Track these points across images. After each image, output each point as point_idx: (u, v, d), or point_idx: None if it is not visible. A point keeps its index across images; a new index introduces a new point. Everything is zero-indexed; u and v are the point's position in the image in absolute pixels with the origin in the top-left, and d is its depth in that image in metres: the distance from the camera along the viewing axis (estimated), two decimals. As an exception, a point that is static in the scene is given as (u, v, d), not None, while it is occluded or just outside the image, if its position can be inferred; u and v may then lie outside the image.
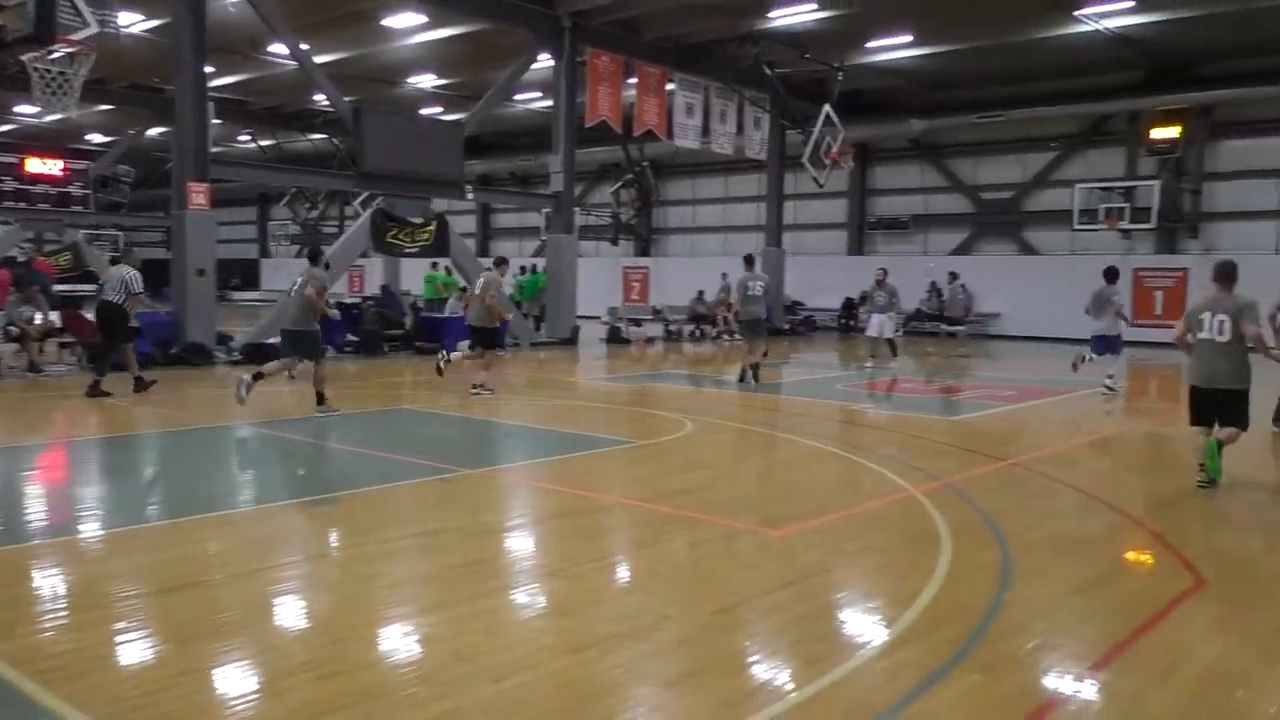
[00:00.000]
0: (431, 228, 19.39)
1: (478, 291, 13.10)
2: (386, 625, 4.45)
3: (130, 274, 12.05)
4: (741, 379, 14.96)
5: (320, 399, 10.86)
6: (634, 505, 6.91)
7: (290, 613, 4.68)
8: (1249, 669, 4.01)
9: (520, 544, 6.06)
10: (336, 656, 3.99)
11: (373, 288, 30.13)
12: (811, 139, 22.99)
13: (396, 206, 19.04)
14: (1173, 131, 23.84)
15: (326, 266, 11.98)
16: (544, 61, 21.27)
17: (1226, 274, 8.09)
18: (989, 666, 3.99)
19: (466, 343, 13.50)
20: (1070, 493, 7.43)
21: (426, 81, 27.32)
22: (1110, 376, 13.96)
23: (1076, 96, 24.82)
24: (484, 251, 39.95)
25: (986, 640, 4.29)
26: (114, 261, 12.98)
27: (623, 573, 5.52)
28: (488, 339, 13.02)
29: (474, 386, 12.77)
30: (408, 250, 19.48)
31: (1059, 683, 3.88)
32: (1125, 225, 24.04)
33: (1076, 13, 19.47)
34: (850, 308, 28.91)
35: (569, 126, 21.04)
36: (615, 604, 4.84)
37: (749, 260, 15.97)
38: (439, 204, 20.89)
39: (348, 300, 22.63)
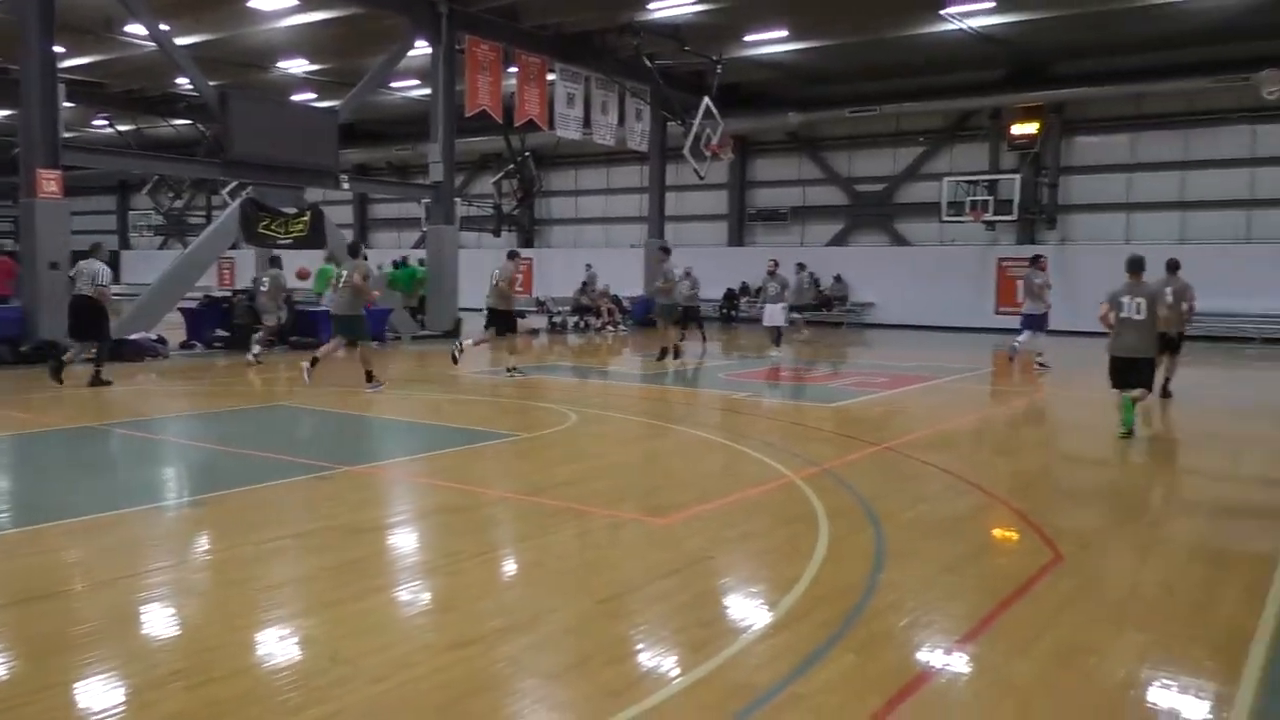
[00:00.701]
0: (306, 218, 18.80)
1: (494, 280, 14.23)
2: (261, 630, 4.31)
3: (101, 268, 12.53)
4: (662, 357, 16.72)
5: (369, 377, 12.48)
6: (518, 498, 6.87)
7: (158, 621, 4.48)
8: (1102, 638, 4.26)
9: (401, 541, 5.96)
10: (208, 664, 3.84)
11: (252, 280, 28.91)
12: (692, 131, 23.24)
13: (268, 196, 18.38)
14: (1031, 128, 25.10)
15: (365, 257, 13.68)
16: (421, 48, 20.86)
17: (1139, 266, 9.77)
18: (864, 646, 4.13)
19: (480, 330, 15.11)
20: (940, 475, 7.75)
21: (298, 66, 26.42)
22: (1040, 354, 15.46)
23: (943, 93, 25.84)
24: (362, 242, 38.94)
25: (862, 620, 4.44)
26: (83, 256, 12.81)
27: (506, 566, 5.49)
28: (506, 323, 14.31)
29: (509, 370, 14.20)
30: (281, 242, 18.82)
31: (929, 658, 4.05)
32: (989, 217, 25.19)
33: (942, 11, 20.24)
34: (732, 299, 29.42)
35: (448, 115, 20.70)
36: (498, 598, 4.81)
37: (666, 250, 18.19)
38: (313, 194, 20.27)
39: (216, 294, 21.72)
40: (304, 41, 23.77)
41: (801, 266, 24.56)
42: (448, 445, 9.05)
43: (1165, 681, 3.83)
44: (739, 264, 29.48)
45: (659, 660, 4.02)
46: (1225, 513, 6.72)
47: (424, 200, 22.73)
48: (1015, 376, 15.84)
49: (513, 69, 21.60)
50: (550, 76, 22.41)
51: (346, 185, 21.25)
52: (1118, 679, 3.84)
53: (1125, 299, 9.58)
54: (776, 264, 19.23)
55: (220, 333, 18.11)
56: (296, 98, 28.60)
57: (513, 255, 14.98)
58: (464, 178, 35.83)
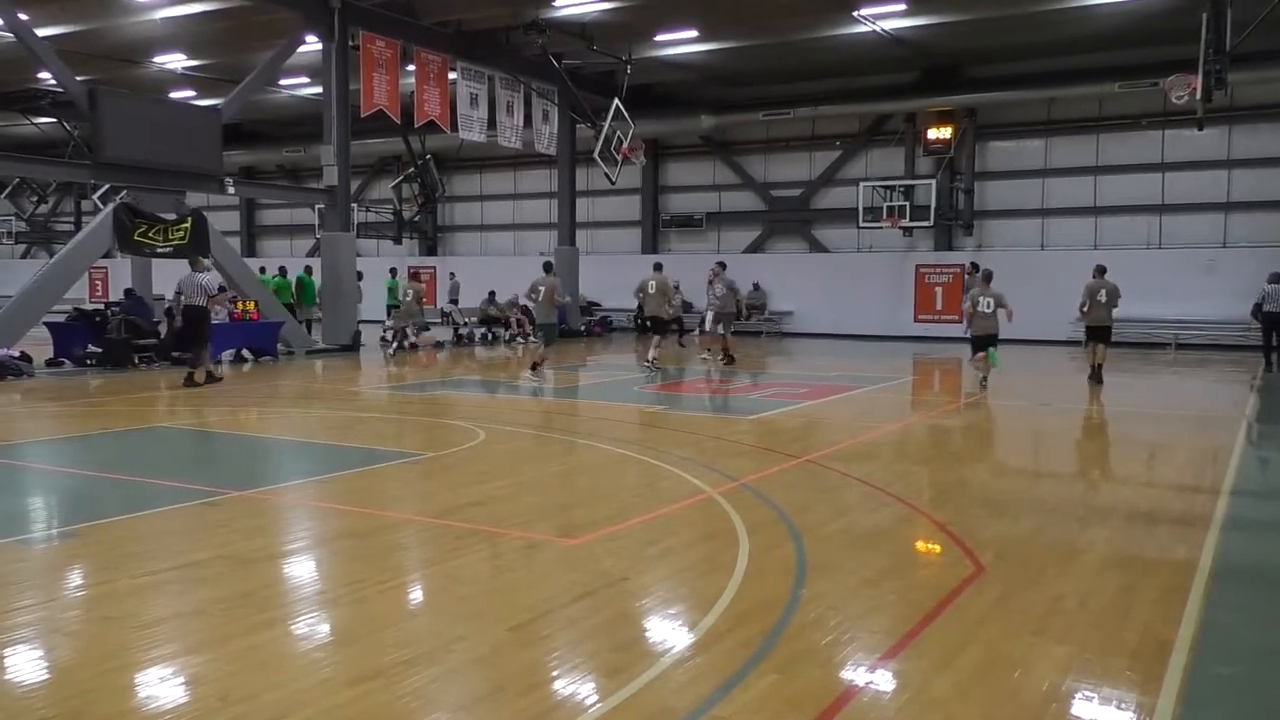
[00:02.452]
0: (186, 225, 18.28)
1: (540, 295, 15.91)
2: (142, 670, 4.16)
3: None
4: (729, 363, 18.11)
5: (533, 367, 15.31)
6: (424, 521, 6.78)
7: (23, 664, 4.28)
8: (1023, 650, 4.40)
9: (298, 570, 5.82)
10: (80, 710, 3.69)
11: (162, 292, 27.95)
12: (602, 133, 23.33)
13: (144, 201, 17.82)
14: (946, 132, 25.89)
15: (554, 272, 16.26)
16: (313, 44, 20.51)
17: (989, 276, 15.08)
18: (786, 665, 4.18)
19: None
20: (861, 487, 7.91)
21: (175, 62, 25.70)
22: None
23: (858, 96, 26.50)
24: (250, 251, 38.11)
25: (784, 638, 4.50)
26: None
27: (411, 594, 5.40)
28: (548, 334, 16.23)
29: (532, 368, 15.69)
30: (159, 250, 18.27)
31: (852, 675, 4.13)
32: (906, 223, 25.86)
33: (855, 13, 20.77)
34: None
35: (342, 116, 20.37)
36: (402, 628, 4.73)
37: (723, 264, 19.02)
38: (195, 198, 19.74)
39: (87, 307, 20.91)
40: (183, 35, 23.13)
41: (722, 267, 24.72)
42: (348, 466, 8.88)
43: (1087, 693, 3.97)
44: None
45: (574, 688, 4.00)
46: (1142, 520, 7.01)
47: (318, 205, 22.33)
48: (936, 384, 16.27)
49: (411, 67, 21.39)
50: (452, 76, 22.27)
51: (232, 189, 20.72)
52: (1040, 691, 3.97)
53: (981, 299, 14.54)
54: (716, 271, 19.80)
55: (92, 349, 17.43)
56: (175, 95, 27.82)
57: (549, 267, 16.44)
58: (361, 182, 35.31)
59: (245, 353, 19.24)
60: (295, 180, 36.47)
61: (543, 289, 15.84)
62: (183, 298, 14.97)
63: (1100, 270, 15.88)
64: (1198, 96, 14.66)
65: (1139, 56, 22.32)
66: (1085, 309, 15.71)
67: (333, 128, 20.37)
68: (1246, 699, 3.99)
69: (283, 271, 24.38)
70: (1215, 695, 4.00)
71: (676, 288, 20.81)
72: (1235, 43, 14.17)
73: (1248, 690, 4.07)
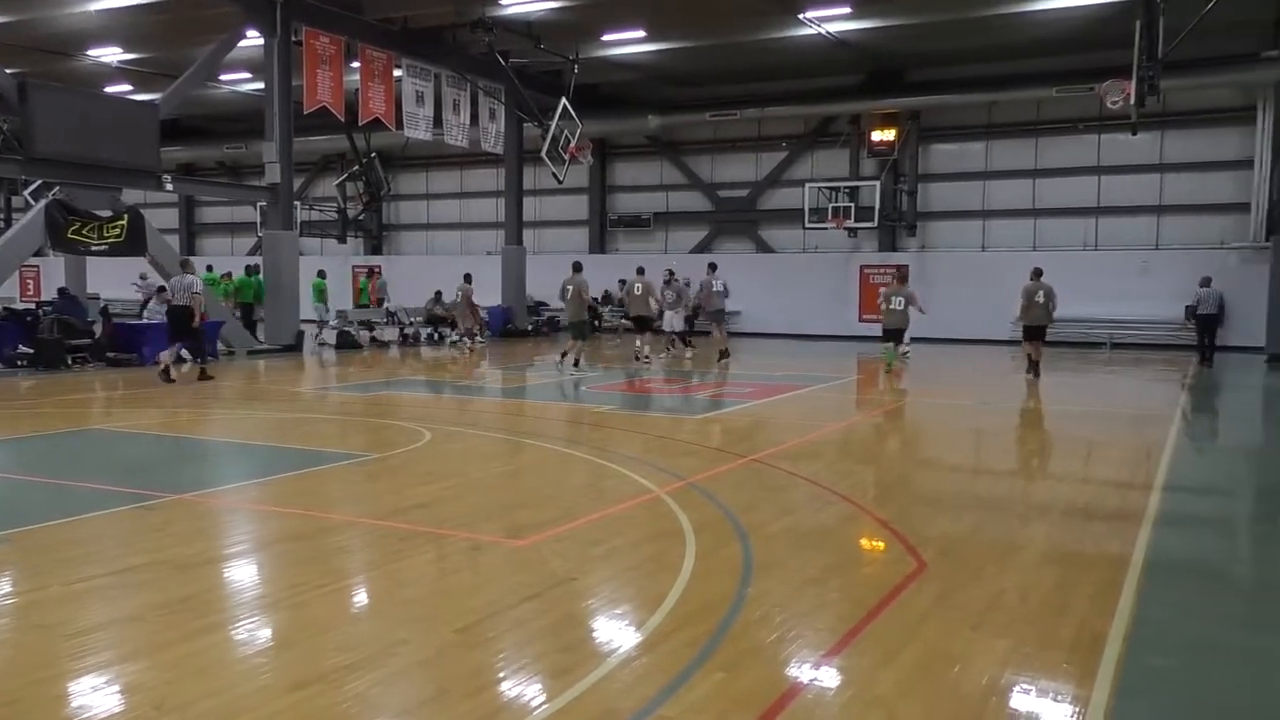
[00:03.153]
0: (123, 222, 17.87)
1: (570, 294, 17.05)
2: (74, 679, 4.05)
3: None
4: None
5: (575, 363, 16.62)
6: (368, 523, 6.70)
7: (-51, 676, 4.15)
8: (964, 646, 4.47)
9: (238, 574, 5.71)
10: (10, 722, 3.58)
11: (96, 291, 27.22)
12: (549, 132, 23.25)
13: (78, 198, 17.38)
14: (890, 134, 26.22)
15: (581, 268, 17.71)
16: (254, 39, 20.16)
17: (904, 276, 18.13)
18: (732, 663, 4.20)
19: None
20: (807, 485, 7.98)
21: (111, 55, 25.08)
22: (907, 345, 18.02)
23: (804, 98, 26.71)
24: (190, 250, 37.39)
25: (730, 636, 4.52)
26: None
27: (354, 597, 5.34)
28: (581, 331, 17.37)
29: (575, 364, 16.80)
30: (94, 248, 17.84)
31: (797, 672, 4.16)
32: (851, 224, 26.14)
33: (801, 15, 20.94)
34: (594, 308, 29.46)
35: (285, 112, 20.05)
36: (345, 632, 4.67)
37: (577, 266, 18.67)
38: (132, 195, 19.30)
39: (18, 307, 20.35)
40: (118, 28, 22.58)
41: (641, 271, 24.75)
42: (290, 468, 8.74)
43: (1025, 686, 4.04)
44: (601, 271, 29.60)
45: (520, 690, 3.99)
46: (1079, 516, 7.16)
47: (259, 203, 21.95)
48: (881, 383, 16.49)
49: (356, 64, 21.13)
50: (397, 73, 22.04)
51: (170, 186, 20.31)
52: (980, 686, 4.03)
53: (893, 296, 17.21)
54: (671, 273, 20.23)
55: (23, 349, 16.97)
56: (110, 90, 27.19)
57: (578, 267, 17.42)
58: (304, 179, 34.80)
59: (184, 353, 18.85)
60: (236, 177, 35.88)
61: (571, 288, 17.08)
62: (172, 298, 15.39)
63: (1037, 273, 16.56)
64: (1131, 102, 15.02)
65: (1076, 62, 22.79)
66: (1024, 309, 16.33)
67: (275, 124, 20.04)
68: (1177, 690, 4.10)
69: (249, 271, 23.90)
70: (1147, 687, 4.10)
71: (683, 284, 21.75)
72: (1167, 50, 14.53)
73: (1178, 682, 4.18)
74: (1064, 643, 4.51)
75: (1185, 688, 4.12)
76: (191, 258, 25.90)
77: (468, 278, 20.10)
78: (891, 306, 17.11)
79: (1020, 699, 3.93)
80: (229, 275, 26.79)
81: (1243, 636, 4.78)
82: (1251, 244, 22.67)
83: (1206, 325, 20.26)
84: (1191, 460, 9.86)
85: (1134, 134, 19.20)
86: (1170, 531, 6.73)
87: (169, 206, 37.14)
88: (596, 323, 21.85)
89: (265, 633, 4.67)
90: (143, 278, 25.78)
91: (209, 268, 26.19)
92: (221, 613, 4.96)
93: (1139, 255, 23.89)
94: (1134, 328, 23.57)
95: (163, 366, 15.05)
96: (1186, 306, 20.98)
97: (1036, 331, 16.37)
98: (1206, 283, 20.49)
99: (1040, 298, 16.13)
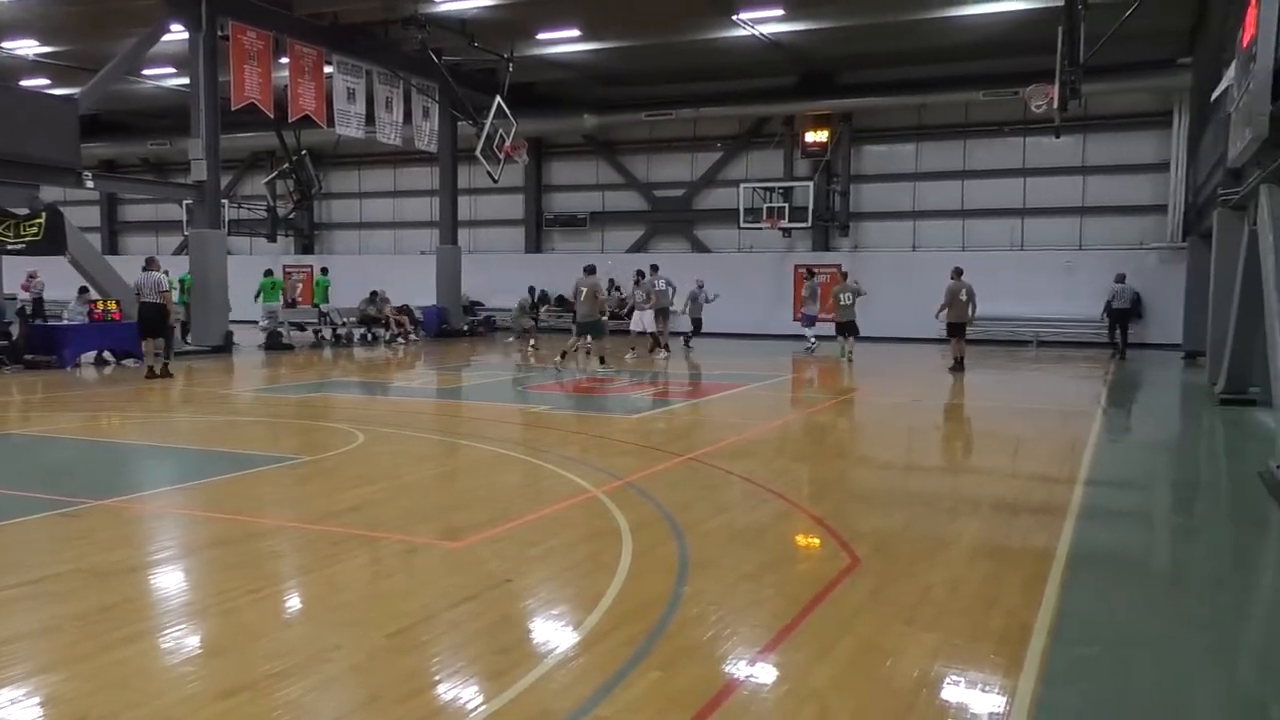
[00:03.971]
0: (40, 220, 17.31)
1: (584, 294, 17.52)
2: (-10, 694, 3.92)
3: None
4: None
5: (601, 360, 17.20)
6: (300, 527, 6.58)
7: None
8: (896, 640, 4.55)
9: (164, 581, 5.57)
10: (-79, 739, 3.45)
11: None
12: (484, 131, 23.09)
13: (-7, 195, 16.81)
14: (822, 135, 26.56)
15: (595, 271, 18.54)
16: (179, 33, 19.69)
17: (845, 274, 19.80)
18: (668, 661, 4.22)
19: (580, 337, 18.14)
20: (742, 483, 8.04)
21: (27, 48, 24.32)
22: (813, 340, 20.46)
23: (738, 98, 26.93)
24: (112, 249, 36.41)
25: (666, 635, 4.53)
26: None
27: (285, 603, 5.24)
28: (597, 330, 17.75)
29: (600, 361, 17.41)
30: (10, 247, 17.26)
31: (733, 669, 4.19)
32: (785, 224, 26.43)
33: (734, 17, 21.09)
34: (534, 308, 29.33)
35: (211, 108, 19.62)
36: (276, 638, 4.58)
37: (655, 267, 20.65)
38: (51, 193, 18.71)
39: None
40: (35, 20, 21.90)
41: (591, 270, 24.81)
42: (219, 472, 8.55)
43: (955, 678, 4.12)
44: (537, 271, 29.53)
45: (455, 693, 3.95)
46: (1007, 510, 7.32)
47: (185, 201, 21.45)
48: (815, 381, 16.68)
49: (285, 59, 20.76)
50: (328, 69, 21.71)
51: (90, 184, 19.71)
52: (912, 678, 4.10)
53: (842, 294, 19.29)
54: (642, 274, 20.60)
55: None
56: (27, 83, 26.34)
57: (591, 269, 17.95)
58: (232, 177, 34.11)
59: (107, 355, 18.36)
60: (161, 175, 35.02)
61: (584, 289, 17.50)
62: (142, 296, 15.65)
63: (957, 272, 17.46)
64: (1055, 105, 15.39)
65: (1002, 66, 23.30)
66: (947, 308, 17.20)
67: (201, 121, 19.60)
68: (1100, 678, 4.21)
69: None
70: (1071, 675, 4.21)
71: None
72: (1088, 55, 14.92)
73: (1101, 670, 4.29)
74: (993, 634, 4.60)
75: (1106, 675, 4.23)
76: (110, 257, 25.24)
77: (591, 269, 19.29)
78: (842, 302, 19.14)
79: (950, 690, 4.00)
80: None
81: (1160, 625, 4.93)
82: (1169, 244, 23.43)
83: (1120, 319, 21.24)
84: (1113, 455, 10.14)
85: (1057, 137, 19.75)
86: (1093, 524, 6.91)
87: (90, 204, 36.12)
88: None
89: (192, 641, 4.56)
90: (31, 277, 25.09)
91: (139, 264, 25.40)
92: (146, 621, 4.83)
93: (1063, 255, 24.53)
94: (1059, 326, 24.20)
95: (146, 367, 15.65)
96: (1106, 302, 21.76)
97: (960, 329, 17.36)
98: (1121, 279, 21.41)
99: (964, 296, 17.03)
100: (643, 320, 20.56)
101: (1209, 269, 15.00)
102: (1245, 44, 9.78)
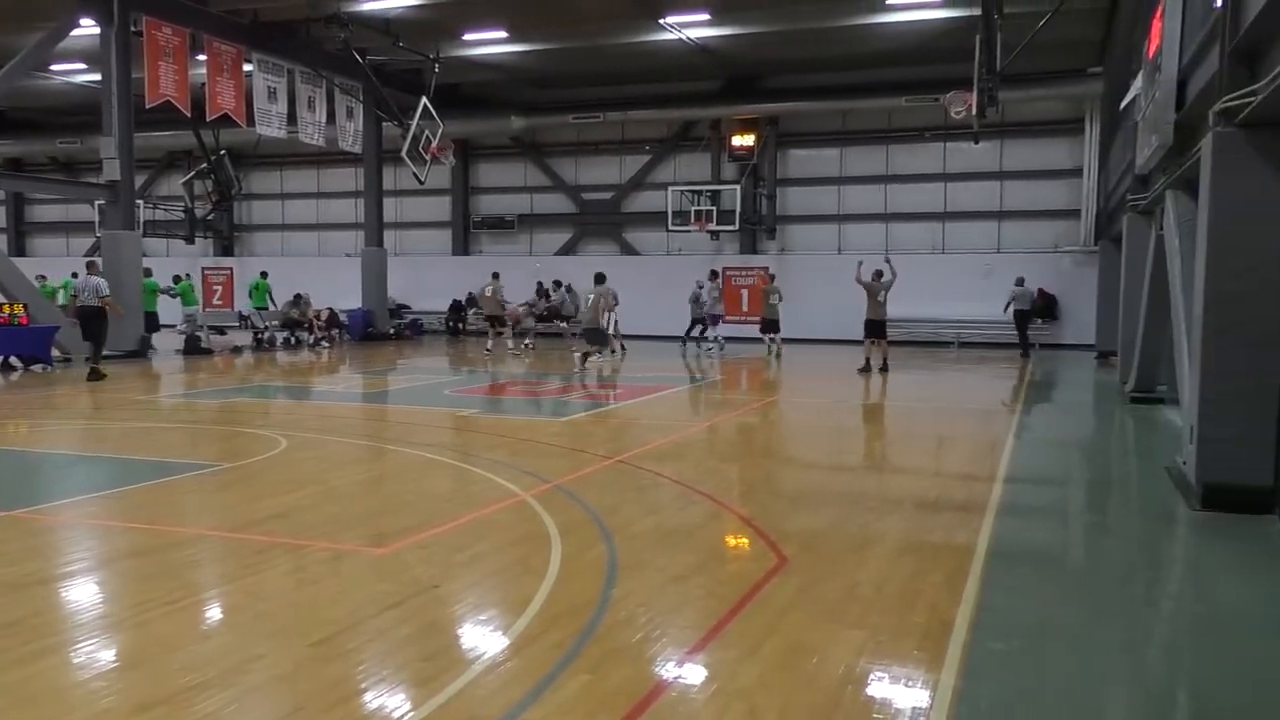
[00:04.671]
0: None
1: (590, 302, 18.31)
2: (-111, 715, 3.75)
3: None
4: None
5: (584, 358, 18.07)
6: (220, 536, 6.43)
7: None
8: (822, 638, 4.61)
9: (75, 594, 5.38)
10: None
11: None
12: (409, 132, 22.83)
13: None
14: (749, 139, 26.84)
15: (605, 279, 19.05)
16: (90, 28, 19.09)
17: (773, 276, 20.15)
18: (597, 664, 4.22)
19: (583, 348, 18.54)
20: (671, 485, 8.07)
21: (-72, 41, 23.34)
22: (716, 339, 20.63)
23: (665, 102, 27.07)
24: (19, 251, 35.17)
25: (595, 638, 4.53)
26: None
27: (205, 613, 5.11)
28: (600, 337, 18.41)
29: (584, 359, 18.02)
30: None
31: (662, 670, 4.20)
32: (713, 227, 26.63)
33: (661, 20, 21.19)
34: (459, 310, 29.11)
35: (124, 106, 19.06)
36: (195, 649, 4.47)
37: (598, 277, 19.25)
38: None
39: None
40: (-63, 12, 21.06)
41: (495, 276, 24.62)
42: (135, 480, 8.30)
43: (879, 674, 4.19)
44: (464, 273, 29.29)
45: (381, 701, 3.89)
46: (930, 508, 7.48)
47: (98, 202, 20.80)
48: (743, 383, 16.82)
49: (202, 57, 20.28)
50: (248, 67, 21.26)
51: (-4, 183, 19.02)
52: (837, 675, 4.16)
53: (771, 294, 20.75)
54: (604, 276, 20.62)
55: None
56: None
57: (601, 278, 18.58)
58: (147, 177, 33.22)
59: (14, 361, 17.71)
60: (71, 174, 33.95)
61: (592, 296, 18.26)
62: (78, 299, 16.09)
63: (877, 274, 17.80)
64: (973, 112, 15.77)
65: (923, 73, 23.78)
66: (868, 306, 17.63)
67: (113, 119, 19.02)
68: (1017, 671, 4.32)
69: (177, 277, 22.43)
70: (991, 669, 4.31)
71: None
72: (1004, 64, 15.32)
73: (1019, 663, 4.41)
74: (916, 630, 4.70)
75: (1023, 668, 4.35)
76: (17, 259, 24.42)
77: (600, 277, 19.51)
78: (771, 302, 20.70)
79: (875, 686, 4.07)
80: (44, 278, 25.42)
81: (1075, 618, 5.08)
82: (1082, 248, 24.18)
83: (1022, 319, 22.26)
84: (1030, 453, 10.40)
85: (976, 143, 20.25)
86: (1011, 521, 7.09)
87: (-5, 204, 34.87)
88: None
89: (106, 654, 4.42)
90: None
91: (40, 277, 24.65)
92: (57, 635, 4.67)
93: (983, 258, 25.13)
94: (979, 327, 24.78)
95: (90, 369, 15.87)
96: (1006, 303, 22.60)
97: (878, 327, 17.67)
98: (1020, 282, 22.54)
99: (881, 296, 17.53)
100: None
101: (1120, 272, 15.49)
102: (1151, 55, 10.14)
